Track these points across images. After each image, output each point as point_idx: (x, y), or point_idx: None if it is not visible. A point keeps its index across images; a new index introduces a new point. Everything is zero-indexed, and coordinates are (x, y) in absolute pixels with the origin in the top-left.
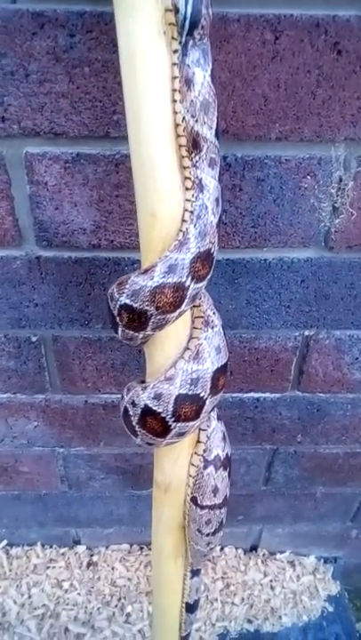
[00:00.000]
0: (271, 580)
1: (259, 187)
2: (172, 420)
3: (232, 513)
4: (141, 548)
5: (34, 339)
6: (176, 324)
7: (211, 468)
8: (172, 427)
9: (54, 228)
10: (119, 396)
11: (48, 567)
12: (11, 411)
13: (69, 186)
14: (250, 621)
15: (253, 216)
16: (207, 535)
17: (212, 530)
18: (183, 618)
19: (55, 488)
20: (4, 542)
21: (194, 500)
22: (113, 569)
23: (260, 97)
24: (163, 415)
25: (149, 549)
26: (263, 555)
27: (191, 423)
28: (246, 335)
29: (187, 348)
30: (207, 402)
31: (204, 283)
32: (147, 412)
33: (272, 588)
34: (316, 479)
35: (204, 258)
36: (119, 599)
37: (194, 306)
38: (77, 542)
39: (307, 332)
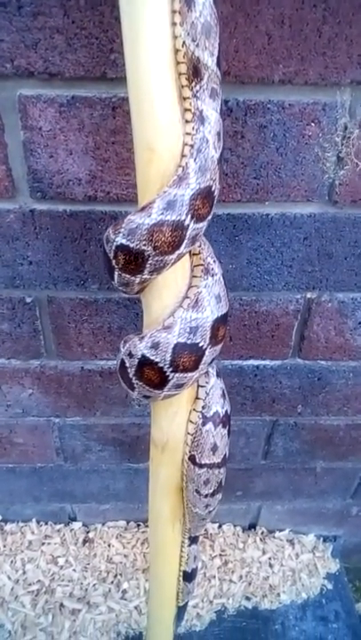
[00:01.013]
0: (270, 558)
1: (261, 134)
2: (170, 370)
3: (231, 488)
4: (138, 525)
5: (28, 300)
6: (175, 272)
7: (210, 425)
8: (170, 377)
9: (49, 178)
10: (116, 362)
11: (43, 543)
12: (5, 377)
13: (64, 131)
14: (248, 598)
15: (255, 166)
16: (205, 496)
17: (211, 491)
18: (180, 587)
19: (50, 461)
20: None
21: (192, 458)
22: (109, 546)
23: (263, 35)
24: (160, 365)
25: (146, 526)
26: (262, 533)
27: (190, 374)
28: (247, 298)
29: (186, 297)
30: (206, 352)
31: (205, 224)
32: (144, 363)
33: (271, 565)
34: (317, 453)
35: (205, 195)
36: (115, 576)
37: (193, 254)
38: (73, 519)
39: (309, 295)
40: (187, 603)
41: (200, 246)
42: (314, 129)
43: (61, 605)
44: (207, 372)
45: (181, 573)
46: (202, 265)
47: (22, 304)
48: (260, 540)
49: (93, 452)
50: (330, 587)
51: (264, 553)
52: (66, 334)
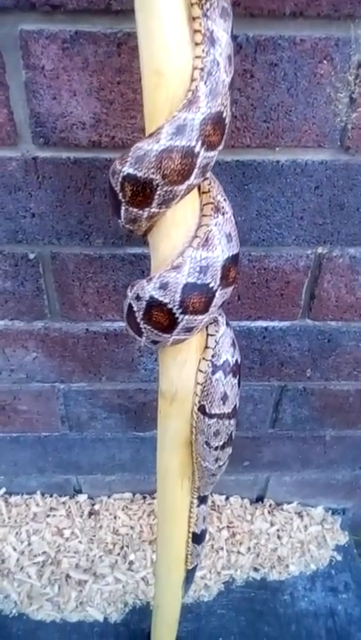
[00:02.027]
0: (278, 530)
1: (272, 72)
2: (180, 311)
3: (238, 458)
4: (144, 497)
5: (31, 256)
6: (184, 209)
7: (220, 374)
8: (179, 320)
9: (52, 122)
10: (122, 323)
11: (48, 515)
12: (8, 340)
13: (68, 70)
14: (256, 570)
15: (266, 108)
16: (215, 449)
17: (221, 443)
18: (189, 549)
19: (55, 429)
20: (3, 490)
21: (202, 408)
22: (115, 517)
23: None
24: (169, 306)
25: (153, 498)
26: (270, 505)
27: (200, 317)
28: (256, 253)
29: (195, 237)
30: (217, 294)
31: (216, 153)
32: (152, 305)
33: (279, 537)
34: (326, 420)
35: (216, 121)
36: (122, 547)
37: (203, 192)
38: (78, 491)
39: (320, 250)
40: (196, 566)
41: (210, 184)
42: (326, 67)
43: (67, 576)
44: (217, 321)
45: (190, 535)
46: (212, 203)
47: (25, 260)
48: (268, 512)
49: (99, 420)
50: (339, 558)
51: (272, 525)
52: (70, 293)
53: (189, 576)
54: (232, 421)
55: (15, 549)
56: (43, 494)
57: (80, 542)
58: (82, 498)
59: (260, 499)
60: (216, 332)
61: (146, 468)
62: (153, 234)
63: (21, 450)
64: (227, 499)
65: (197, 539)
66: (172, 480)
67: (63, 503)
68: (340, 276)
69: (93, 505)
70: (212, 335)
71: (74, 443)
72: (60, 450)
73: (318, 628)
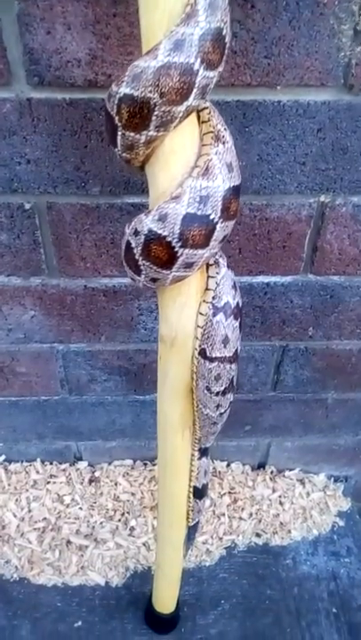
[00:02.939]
0: (280, 496)
1: (273, 2)
2: (179, 244)
3: (239, 422)
4: (145, 464)
5: (27, 206)
6: (183, 137)
7: (220, 315)
8: (179, 253)
9: (46, 59)
10: (121, 280)
11: (48, 482)
12: (5, 297)
13: (62, 1)
14: (258, 535)
15: (266, 42)
16: (217, 395)
17: (222, 388)
18: (191, 504)
19: (55, 393)
20: (2, 457)
21: (202, 352)
22: (116, 484)
23: None
24: (168, 239)
25: (153, 465)
26: (271, 472)
27: (200, 252)
28: (257, 202)
29: (195, 166)
30: (217, 227)
31: (215, 74)
32: (151, 239)
33: (281, 503)
34: (328, 382)
35: (215, 38)
36: (123, 514)
37: (202, 121)
38: (79, 458)
39: (322, 198)
40: (197, 523)
41: (209, 113)
42: None
43: (68, 542)
44: (217, 262)
45: (191, 489)
46: (212, 132)
47: (21, 211)
48: (270, 479)
49: (99, 383)
50: (341, 524)
51: (274, 491)
52: (67, 247)
53: (191, 533)
54: (233, 366)
55: (15, 516)
56: (42, 461)
57: (80, 509)
58: (82, 465)
59: (261, 465)
60: (217, 273)
61: (146, 433)
62: (151, 164)
63: (20, 414)
64: (228, 465)
65: (199, 493)
66: (172, 430)
67: (63, 470)
68: (343, 226)
69: (94, 472)
70: (212, 277)
71: (74, 407)
72: (59, 414)
73: (321, 591)
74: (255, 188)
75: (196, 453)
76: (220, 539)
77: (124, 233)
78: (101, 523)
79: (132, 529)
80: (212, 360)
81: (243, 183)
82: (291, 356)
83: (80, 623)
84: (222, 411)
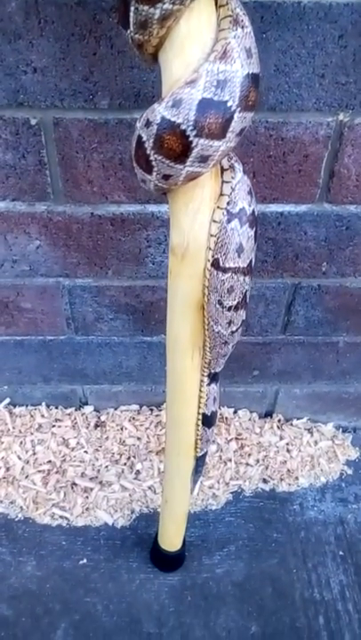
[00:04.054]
0: (288, 444)
1: None
2: (194, 133)
3: (247, 367)
4: (151, 410)
5: (33, 122)
6: (200, 22)
7: (235, 222)
8: (194, 144)
9: None
10: (129, 207)
11: (54, 426)
12: (10, 225)
13: None
14: (265, 481)
15: None
16: (229, 309)
17: (235, 302)
18: (199, 433)
19: (61, 332)
20: (7, 401)
21: (215, 263)
22: (122, 429)
23: None
24: (183, 127)
25: (160, 410)
26: (279, 420)
27: (216, 143)
28: (273, 120)
29: (212, 51)
30: (235, 116)
31: None
32: (164, 128)
33: (288, 450)
34: (340, 324)
35: None
36: (128, 458)
37: (220, 6)
38: (84, 403)
39: (341, 117)
40: (205, 453)
41: None
42: None
43: (73, 484)
44: (233, 167)
45: (200, 417)
46: (230, 16)
47: (27, 127)
48: (278, 427)
49: (105, 322)
50: (350, 472)
51: (281, 439)
52: (74, 168)
53: (199, 465)
54: (247, 279)
55: (20, 458)
56: (48, 406)
57: (86, 452)
58: (88, 409)
59: (268, 414)
60: (232, 178)
61: (153, 377)
62: (165, 50)
63: (26, 355)
64: (235, 412)
65: (207, 421)
66: (181, 351)
67: (69, 415)
68: None
69: (99, 417)
70: (227, 182)
71: (80, 347)
72: (65, 356)
73: (328, 535)
74: (271, 104)
75: (206, 379)
76: (227, 484)
77: (134, 129)
78: (107, 466)
79: (138, 472)
80: (225, 271)
81: (258, 98)
82: (303, 295)
83: (85, 561)
84: (234, 329)
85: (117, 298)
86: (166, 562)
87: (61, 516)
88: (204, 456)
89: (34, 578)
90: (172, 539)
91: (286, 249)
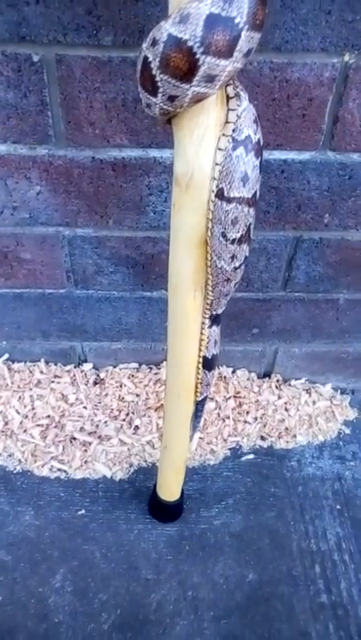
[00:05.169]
0: (286, 403)
1: None
2: (201, 50)
3: (247, 325)
4: (150, 368)
5: (35, 58)
6: None
7: (241, 150)
8: (201, 61)
9: None
10: (130, 152)
11: (52, 382)
12: (10, 169)
13: None
14: (263, 438)
15: None
16: (232, 242)
17: (238, 235)
18: (200, 376)
19: (60, 285)
20: (6, 356)
21: (220, 193)
22: (121, 385)
23: None
24: (190, 44)
25: (159, 368)
26: (277, 381)
27: (223, 62)
28: (278, 60)
29: None
30: (243, 34)
31: None
32: (170, 45)
33: (286, 409)
34: (341, 279)
35: None
36: (127, 414)
37: None
38: (84, 360)
39: (346, 58)
40: (205, 398)
41: None
42: None
43: (72, 438)
44: (238, 95)
45: (201, 359)
46: None
47: (29, 64)
48: (276, 387)
49: (105, 275)
50: (348, 431)
51: (279, 398)
52: (76, 109)
53: (198, 410)
54: (251, 211)
55: (18, 412)
56: (47, 362)
57: (85, 408)
58: (87, 367)
59: (267, 374)
60: (238, 105)
61: (153, 334)
62: None
63: (25, 308)
64: (234, 372)
65: (208, 364)
66: (183, 289)
67: (68, 371)
68: None
69: (98, 374)
70: (233, 110)
71: (79, 302)
72: (64, 310)
73: (325, 490)
74: (277, 43)
75: (207, 321)
76: (225, 440)
77: (140, 50)
78: (106, 421)
79: (137, 428)
80: (229, 200)
81: (264, 35)
82: (304, 249)
83: (83, 511)
84: (237, 264)
85: (118, 249)
86: (165, 512)
87: (60, 469)
88: (203, 401)
89: (32, 526)
90: (170, 487)
91: (289, 199)
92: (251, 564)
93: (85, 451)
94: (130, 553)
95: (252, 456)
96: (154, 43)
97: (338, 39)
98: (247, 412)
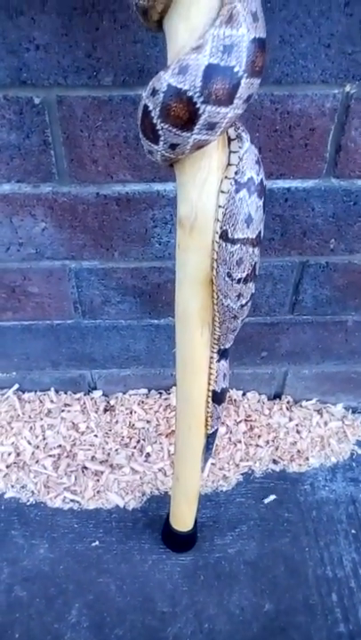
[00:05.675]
0: (297, 425)
1: None
2: (201, 99)
3: (255, 348)
4: (160, 393)
5: (37, 101)
6: None
7: (244, 192)
8: (201, 110)
9: None
10: (134, 187)
11: (63, 411)
12: (15, 207)
13: None
14: (275, 462)
15: None
16: (238, 282)
17: (244, 275)
18: (210, 410)
19: (68, 316)
20: (16, 387)
21: (224, 234)
22: (131, 412)
23: None
24: (190, 94)
25: (168, 393)
26: (288, 402)
27: (223, 110)
28: (279, 93)
29: (218, 16)
30: (242, 82)
31: None
32: (170, 96)
33: (298, 432)
34: (349, 302)
35: None
36: (138, 441)
37: None
38: (93, 388)
39: (348, 88)
40: (216, 431)
41: None
42: None
43: (84, 468)
44: (240, 137)
45: (210, 394)
46: None
47: (30, 107)
48: (287, 408)
49: (112, 305)
50: (360, 452)
51: (291, 420)
52: (78, 147)
53: (209, 442)
54: (256, 250)
55: (30, 443)
56: (57, 391)
57: (96, 436)
58: (97, 394)
59: (277, 396)
60: (239, 147)
61: (161, 360)
62: (170, 16)
63: (34, 339)
64: (244, 394)
65: (217, 398)
66: (191, 326)
67: (78, 399)
68: None
69: (108, 401)
70: (234, 152)
71: (87, 332)
72: (73, 340)
73: (339, 514)
74: (277, 77)
75: (215, 355)
76: (237, 465)
77: (140, 98)
78: (117, 449)
79: (148, 455)
80: (233, 242)
81: (264, 71)
82: (311, 274)
83: (97, 543)
84: (243, 302)
85: (124, 280)
86: (178, 542)
87: (73, 500)
88: (214, 433)
89: (47, 560)
90: (184, 518)
91: (294, 226)
92: (267, 592)
93: (98, 480)
94: (145, 584)
95: (265, 481)
96: (154, 92)
97: (338, 71)
98: (259, 436)
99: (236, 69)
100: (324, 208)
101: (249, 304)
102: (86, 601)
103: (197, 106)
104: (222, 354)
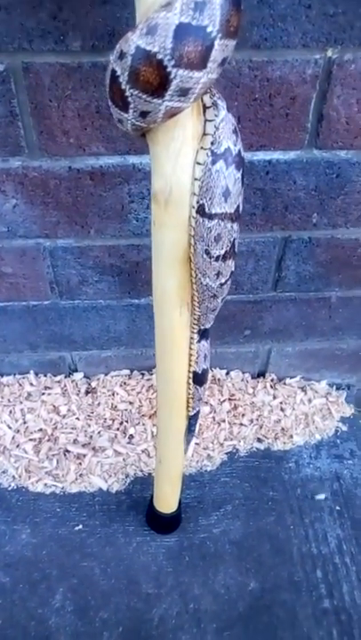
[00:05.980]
0: (281, 403)
1: None
2: (172, 63)
3: (238, 327)
4: (142, 374)
5: (1, 67)
6: None
7: (221, 163)
8: (172, 75)
9: None
10: (108, 160)
11: (43, 394)
12: None
13: None
14: (260, 440)
15: None
16: (216, 260)
17: (222, 252)
18: (191, 391)
19: (45, 297)
20: None
21: (201, 209)
22: (113, 394)
23: None
24: (160, 57)
25: (151, 374)
26: (272, 380)
27: (196, 74)
28: (257, 59)
29: None
30: (216, 43)
31: None
32: (139, 59)
33: (282, 409)
34: (332, 278)
35: None
36: (121, 423)
37: None
38: (74, 370)
39: (329, 53)
40: (198, 412)
41: None
42: None
43: (66, 451)
44: (216, 104)
45: (191, 375)
46: None
47: None
48: (271, 386)
49: (90, 284)
50: (345, 428)
51: (275, 398)
52: (48, 118)
53: (191, 424)
54: (235, 226)
55: (10, 427)
56: (36, 374)
57: (77, 419)
58: (77, 376)
59: (261, 374)
60: (215, 116)
61: (143, 340)
62: None
63: (10, 321)
64: (227, 373)
65: (198, 379)
66: (169, 306)
67: (58, 382)
68: (351, 88)
69: (90, 383)
70: (210, 120)
71: (65, 312)
72: (51, 321)
73: (324, 491)
74: (255, 41)
75: (195, 336)
76: (221, 444)
77: (107, 63)
78: (99, 432)
79: (131, 437)
80: (211, 217)
81: (242, 34)
82: (293, 249)
83: (80, 527)
84: (223, 280)
85: (101, 259)
86: (163, 524)
87: (54, 484)
88: (196, 415)
89: (29, 545)
90: (167, 500)
91: (275, 200)
92: (252, 571)
93: (80, 464)
94: (129, 567)
95: (249, 460)
96: (121, 55)
97: (319, 34)
98: (243, 415)
99: (209, 29)
100: (306, 181)
101: (229, 282)
102: (70, 585)
103: (168, 70)
104: (203, 334)
